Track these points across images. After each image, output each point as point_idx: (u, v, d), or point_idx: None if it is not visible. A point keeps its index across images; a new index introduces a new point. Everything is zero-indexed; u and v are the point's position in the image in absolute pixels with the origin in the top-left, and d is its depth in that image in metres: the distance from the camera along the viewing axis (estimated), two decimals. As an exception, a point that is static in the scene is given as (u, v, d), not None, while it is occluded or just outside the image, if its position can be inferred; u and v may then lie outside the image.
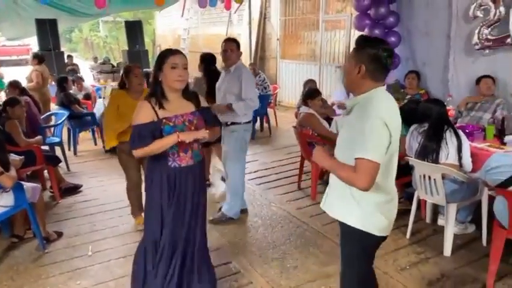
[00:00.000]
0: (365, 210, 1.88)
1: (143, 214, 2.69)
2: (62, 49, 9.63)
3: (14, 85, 5.28)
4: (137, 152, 2.23)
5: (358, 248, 2.02)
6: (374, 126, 1.70)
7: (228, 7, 7.35)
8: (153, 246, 2.39)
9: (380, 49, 1.77)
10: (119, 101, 3.44)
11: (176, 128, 2.24)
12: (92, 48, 23.38)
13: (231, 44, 3.63)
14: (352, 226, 1.94)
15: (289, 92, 9.62)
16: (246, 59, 10.14)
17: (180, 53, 2.30)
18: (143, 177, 3.37)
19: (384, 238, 2.00)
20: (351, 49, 7.87)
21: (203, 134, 2.27)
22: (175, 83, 2.24)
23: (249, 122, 3.77)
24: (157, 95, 2.26)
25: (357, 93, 1.87)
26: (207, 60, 4.64)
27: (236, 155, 3.76)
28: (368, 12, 5.52)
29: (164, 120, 2.23)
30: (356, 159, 1.72)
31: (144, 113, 2.22)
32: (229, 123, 3.68)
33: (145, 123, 2.20)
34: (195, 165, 2.38)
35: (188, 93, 2.38)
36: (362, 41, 1.85)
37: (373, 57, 1.77)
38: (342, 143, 1.93)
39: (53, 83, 7.51)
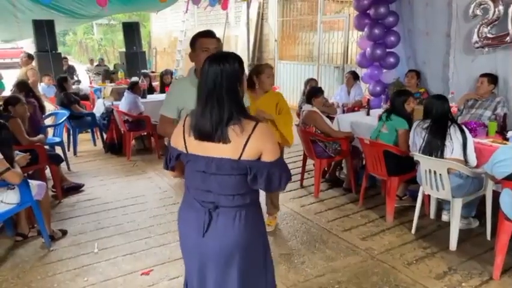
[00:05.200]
0: None
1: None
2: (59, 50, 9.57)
3: (22, 86, 5.22)
4: None
5: None
6: None
7: (224, 7, 7.36)
8: None
9: None
10: (275, 99, 3.46)
11: None
12: (86, 51, 23.30)
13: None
14: None
15: (287, 92, 9.62)
16: (243, 60, 10.15)
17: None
18: None
19: None
20: (349, 50, 7.96)
21: None
22: None
23: None
24: None
25: None
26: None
27: None
28: (368, 11, 5.57)
29: None
30: None
31: None
32: None
33: None
34: None
35: None
36: None
37: None
38: None
39: (52, 83, 7.46)
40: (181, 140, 1.67)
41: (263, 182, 1.59)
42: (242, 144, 1.56)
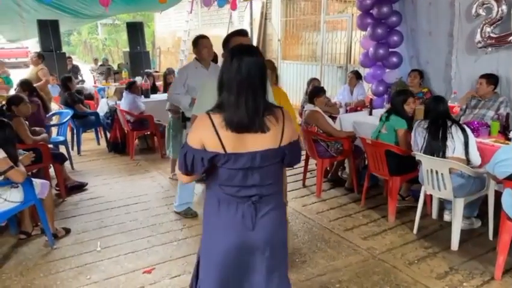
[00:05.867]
0: None
1: None
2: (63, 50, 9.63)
3: (25, 85, 5.26)
4: None
5: None
6: None
7: (233, 7, 7.38)
8: None
9: None
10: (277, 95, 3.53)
11: None
12: (91, 51, 23.41)
13: (210, 41, 3.77)
14: None
15: (291, 92, 9.62)
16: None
17: None
18: None
19: None
20: (352, 50, 7.95)
21: None
22: None
23: None
24: None
25: None
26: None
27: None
28: (371, 11, 5.56)
29: None
30: None
31: None
32: None
33: None
34: None
35: None
36: None
37: None
38: None
39: (56, 83, 7.51)
40: (215, 140, 1.55)
41: (292, 160, 1.70)
42: (280, 132, 1.61)
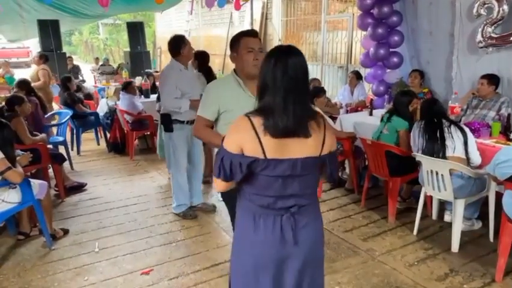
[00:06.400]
0: None
1: None
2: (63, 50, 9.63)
3: (23, 84, 5.25)
4: None
5: None
6: None
7: (237, 7, 7.36)
8: None
9: None
10: None
11: None
12: (92, 51, 23.43)
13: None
14: None
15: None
16: (247, 60, 10.14)
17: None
18: None
19: None
20: (353, 49, 7.93)
21: None
22: None
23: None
24: None
25: None
26: (202, 57, 4.77)
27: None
28: (371, 11, 5.53)
29: None
30: None
31: None
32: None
33: None
34: None
35: None
36: None
37: None
38: None
39: (56, 83, 7.50)
40: (256, 144, 1.45)
41: (333, 171, 1.62)
42: (321, 139, 1.53)
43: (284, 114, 1.43)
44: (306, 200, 1.58)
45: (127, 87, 5.96)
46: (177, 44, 3.68)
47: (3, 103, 4.45)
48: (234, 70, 2.29)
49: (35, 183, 3.34)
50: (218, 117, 2.25)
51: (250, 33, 2.25)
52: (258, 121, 1.46)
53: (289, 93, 1.45)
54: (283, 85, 1.45)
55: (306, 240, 1.58)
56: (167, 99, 3.65)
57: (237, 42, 2.23)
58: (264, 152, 1.46)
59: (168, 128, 3.70)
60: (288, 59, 1.47)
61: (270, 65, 1.48)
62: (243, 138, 1.47)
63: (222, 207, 4.14)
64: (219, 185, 1.57)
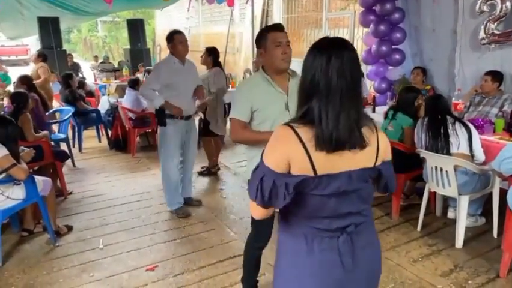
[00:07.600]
0: None
1: None
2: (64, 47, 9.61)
3: (25, 79, 5.22)
4: None
5: None
6: None
7: (230, 4, 7.32)
8: None
9: None
10: None
11: None
12: (91, 49, 23.37)
13: (185, 37, 3.79)
14: None
15: (292, 90, 9.60)
16: (248, 57, 10.14)
17: None
18: None
19: None
20: (354, 46, 7.94)
21: None
22: None
23: None
24: None
25: None
26: (215, 53, 4.89)
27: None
28: (373, 8, 5.53)
29: None
30: None
31: None
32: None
33: None
34: None
35: None
36: None
37: None
38: None
39: (56, 80, 7.49)
40: (304, 159, 1.20)
41: (391, 182, 1.39)
42: (375, 148, 1.30)
43: (339, 123, 1.19)
44: (362, 217, 1.36)
45: (134, 84, 5.95)
46: (167, 39, 3.72)
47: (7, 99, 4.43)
48: (262, 67, 2.19)
49: (39, 180, 3.33)
50: (252, 117, 2.15)
51: (277, 27, 2.14)
52: (305, 133, 1.21)
53: (345, 98, 1.20)
54: (340, 88, 1.20)
55: (368, 263, 1.38)
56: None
57: (263, 37, 2.12)
58: (314, 169, 1.22)
59: (162, 122, 3.71)
60: (343, 54, 1.21)
61: (321, 62, 1.21)
62: (291, 153, 1.21)
63: (224, 204, 4.14)
64: (255, 210, 1.31)
